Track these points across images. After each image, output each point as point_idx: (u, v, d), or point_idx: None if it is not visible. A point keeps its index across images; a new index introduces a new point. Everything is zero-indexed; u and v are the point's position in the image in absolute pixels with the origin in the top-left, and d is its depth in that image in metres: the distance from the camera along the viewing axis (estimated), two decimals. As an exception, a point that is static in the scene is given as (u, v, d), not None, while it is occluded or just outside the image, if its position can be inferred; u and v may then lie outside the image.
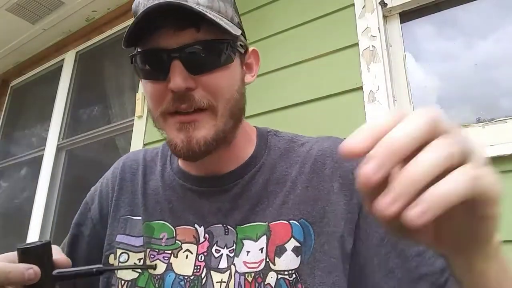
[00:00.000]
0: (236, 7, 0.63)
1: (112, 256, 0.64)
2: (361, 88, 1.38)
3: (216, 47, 0.55)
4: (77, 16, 2.58)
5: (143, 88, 0.59)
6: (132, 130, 2.08)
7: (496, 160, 1.06)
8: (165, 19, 0.52)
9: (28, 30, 2.72)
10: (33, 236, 2.40)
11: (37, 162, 2.67)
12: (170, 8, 0.51)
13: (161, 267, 0.60)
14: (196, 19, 0.52)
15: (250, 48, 0.65)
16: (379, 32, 1.40)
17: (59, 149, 2.60)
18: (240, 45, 0.60)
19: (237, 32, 0.57)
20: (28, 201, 2.56)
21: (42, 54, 2.95)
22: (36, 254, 0.48)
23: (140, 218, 0.65)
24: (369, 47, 1.40)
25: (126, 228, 0.65)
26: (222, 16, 0.56)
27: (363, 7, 1.46)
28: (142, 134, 2.00)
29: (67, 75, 2.75)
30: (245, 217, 0.59)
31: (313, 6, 1.61)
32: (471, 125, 1.24)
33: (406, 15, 1.46)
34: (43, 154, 2.64)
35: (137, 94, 2.12)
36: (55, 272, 0.49)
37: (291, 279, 0.54)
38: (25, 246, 0.48)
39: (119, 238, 0.64)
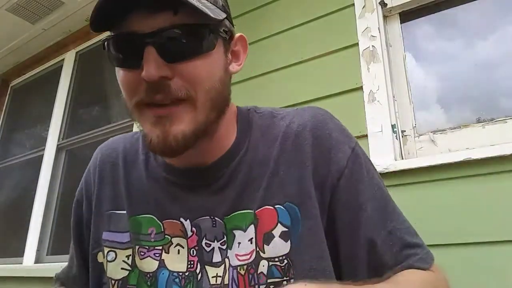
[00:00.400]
0: None
1: (100, 254, 0.62)
2: (361, 88, 1.38)
3: (195, 32, 0.50)
4: (77, 16, 2.57)
5: (117, 76, 0.53)
6: (132, 130, 2.08)
7: (496, 160, 1.06)
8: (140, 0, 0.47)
9: (28, 30, 2.71)
10: (33, 236, 2.39)
11: (37, 162, 2.67)
12: None
13: (152, 265, 0.57)
14: (173, 0, 0.46)
15: (237, 34, 0.59)
16: (379, 32, 1.40)
17: (59, 149, 2.60)
18: (224, 30, 0.54)
19: (220, 16, 0.52)
20: (28, 201, 2.56)
21: (42, 54, 2.95)
22: None
23: (124, 212, 0.61)
24: (369, 47, 1.40)
25: (110, 224, 0.62)
26: None
27: (363, 7, 1.46)
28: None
29: (67, 75, 2.75)
30: (231, 207, 0.56)
31: (313, 6, 1.60)
32: (471, 125, 1.24)
33: (406, 15, 1.46)
34: (43, 154, 2.63)
35: (137, 94, 2.11)
36: None
37: (283, 265, 0.52)
38: None
39: (105, 235, 0.62)
